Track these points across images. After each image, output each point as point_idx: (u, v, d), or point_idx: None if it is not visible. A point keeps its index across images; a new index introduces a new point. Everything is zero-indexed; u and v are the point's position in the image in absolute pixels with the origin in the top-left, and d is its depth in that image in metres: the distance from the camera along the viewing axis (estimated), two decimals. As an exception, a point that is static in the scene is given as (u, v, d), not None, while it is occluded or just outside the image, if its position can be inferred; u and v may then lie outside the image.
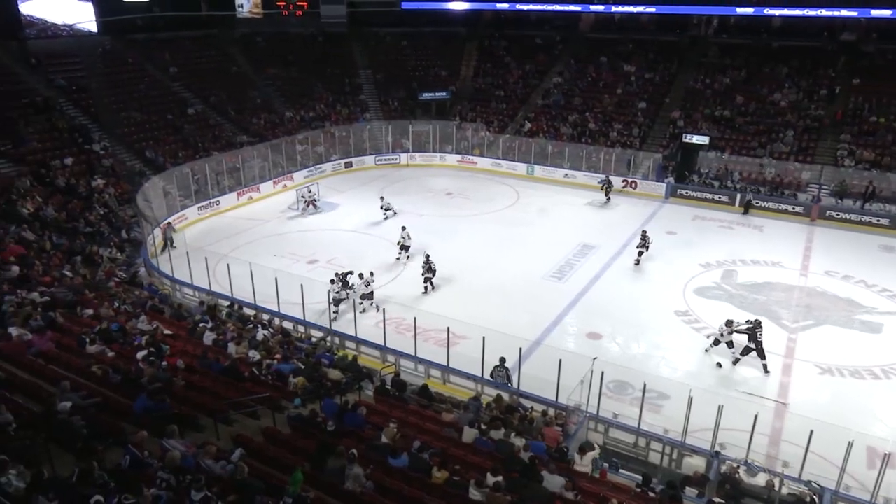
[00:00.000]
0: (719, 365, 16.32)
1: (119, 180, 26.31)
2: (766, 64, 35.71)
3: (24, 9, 34.61)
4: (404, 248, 22.39)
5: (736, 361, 16.29)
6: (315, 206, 28.11)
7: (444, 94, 40.16)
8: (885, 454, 10.54)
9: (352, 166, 34.90)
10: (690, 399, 11.70)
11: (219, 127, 33.19)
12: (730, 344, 16.41)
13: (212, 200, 27.33)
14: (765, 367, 16.07)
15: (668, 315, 18.87)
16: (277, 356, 13.97)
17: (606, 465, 11.39)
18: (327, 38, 42.71)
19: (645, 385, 12.70)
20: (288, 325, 17.09)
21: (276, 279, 16.83)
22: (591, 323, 18.42)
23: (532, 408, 13.21)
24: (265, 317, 17.28)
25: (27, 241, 19.34)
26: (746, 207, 28.63)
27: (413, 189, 31.75)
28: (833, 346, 17.26)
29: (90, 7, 36.82)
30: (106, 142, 28.24)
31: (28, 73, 29.90)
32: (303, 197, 28.16)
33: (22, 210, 21.03)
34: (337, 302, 17.90)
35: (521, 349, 13.89)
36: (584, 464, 10.86)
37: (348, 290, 18.32)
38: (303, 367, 13.57)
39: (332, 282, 18.12)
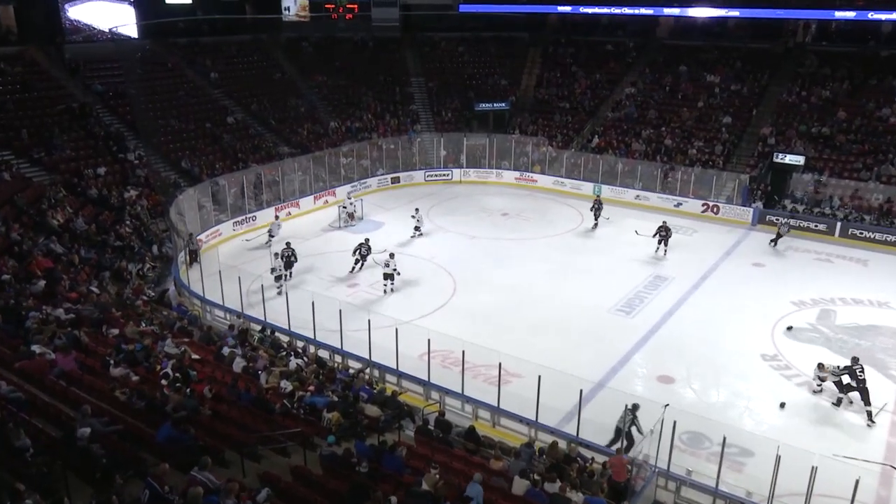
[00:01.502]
0: (783, 405, 15.99)
1: (152, 192, 27.38)
2: (874, 75, 34.52)
3: (72, 13, 36.84)
4: (388, 276, 22.08)
5: (839, 402, 15.92)
6: (353, 218, 28.63)
7: (503, 104, 40.36)
8: None
9: (399, 182, 35.37)
10: (778, 457, 11.23)
11: (259, 137, 34.25)
12: (838, 384, 16.01)
13: (248, 215, 28.10)
14: (869, 414, 15.49)
15: (754, 359, 18.23)
16: (311, 387, 14.13)
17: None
18: (378, 43, 43.70)
19: (725, 439, 12.23)
20: (324, 353, 17.30)
21: (312, 303, 17.11)
22: (663, 364, 17.97)
23: (593, 459, 12.91)
24: (299, 344, 17.54)
25: (55, 254, 20.27)
26: (777, 237, 26.95)
27: (465, 208, 31.89)
28: (953, 403, 16.30)
29: (133, 12, 38.83)
30: (141, 151, 29.51)
31: (66, 79, 31.65)
32: (343, 208, 28.90)
33: (52, 221, 22.08)
34: (278, 278, 21.58)
35: (581, 391, 13.66)
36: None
37: (288, 271, 22.45)
38: (338, 400, 13.66)
39: (277, 256, 22.32)
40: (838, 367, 16.20)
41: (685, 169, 32.43)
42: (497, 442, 13.42)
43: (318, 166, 32.14)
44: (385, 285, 22.15)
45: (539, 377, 13.69)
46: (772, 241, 26.97)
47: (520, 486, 11.15)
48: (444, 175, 36.47)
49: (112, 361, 13.83)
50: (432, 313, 20.56)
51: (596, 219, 29.11)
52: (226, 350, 15.78)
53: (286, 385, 14.03)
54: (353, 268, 23.66)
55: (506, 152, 36.72)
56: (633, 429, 13.49)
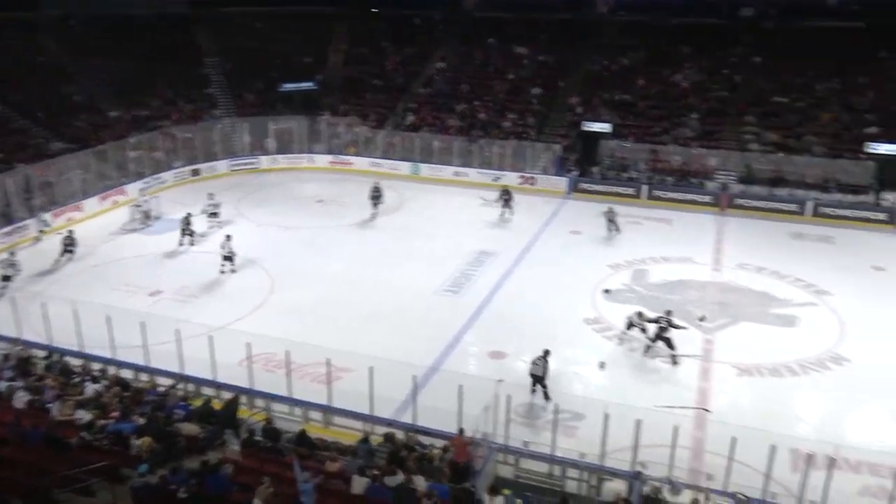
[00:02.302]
0: (602, 365, 17.46)
1: None
2: (667, 44, 38.26)
3: None
4: (227, 258, 22.82)
5: (647, 349, 17.89)
6: (149, 217, 27.31)
7: (310, 84, 39.87)
8: (808, 455, 11.50)
9: (200, 174, 33.82)
10: (606, 416, 12.20)
11: (25, 132, 31.18)
12: (643, 330, 18.04)
13: (17, 225, 25.53)
14: (672, 357, 17.56)
15: (578, 324, 19.66)
16: (114, 414, 13.19)
17: (520, 500, 11.63)
18: (163, 20, 41.23)
19: (557, 405, 13.12)
20: (127, 373, 16.19)
21: (107, 317, 15.92)
22: (494, 340, 18.84)
23: (432, 445, 13.25)
24: (96, 366, 16.26)
25: None
26: (613, 225, 26.73)
27: (277, 198, 31.25)
28: (750, 344, 18.73)
29: None
30: None
31: None
32: (137, 207, 27.39)
33: None
34: (5, 278, 21.00)
35: (414, 378, 13.94)
36: (494, 504, 11.03)
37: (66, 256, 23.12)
38: (148, 423, 12.87)
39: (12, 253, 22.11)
40: (656, 317, 18.17)
41: (501, 142, 34.00)
42: (331, 443, 13.34)
43: (102, 162, 30.04)
44: (223, 266, 22.63)
45: (370, 369, 13.81)
46: (613, 229, 26.67)
47: (359, 484, 11.20)
48: (251, 163, 35.40)
49: None
50: (249, 314, 19.96)
51: (375, 207, 28.51)
52: (2, 385, 14.24)
53: (83, 415, 12.97)
54: (181, 241, 24.92)
55: (317, 135, 36.36)
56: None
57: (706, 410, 15.53)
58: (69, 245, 23.25)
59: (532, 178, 32.64)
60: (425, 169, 34.23)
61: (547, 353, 15.88)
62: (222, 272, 22.68)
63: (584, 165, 33.29)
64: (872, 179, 30.16)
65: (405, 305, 20.62)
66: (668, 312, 18.13)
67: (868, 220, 28.55)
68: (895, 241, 26.94)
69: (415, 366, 14.71)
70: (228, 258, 22.71)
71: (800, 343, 18.74)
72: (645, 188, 31.26)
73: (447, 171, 33.92)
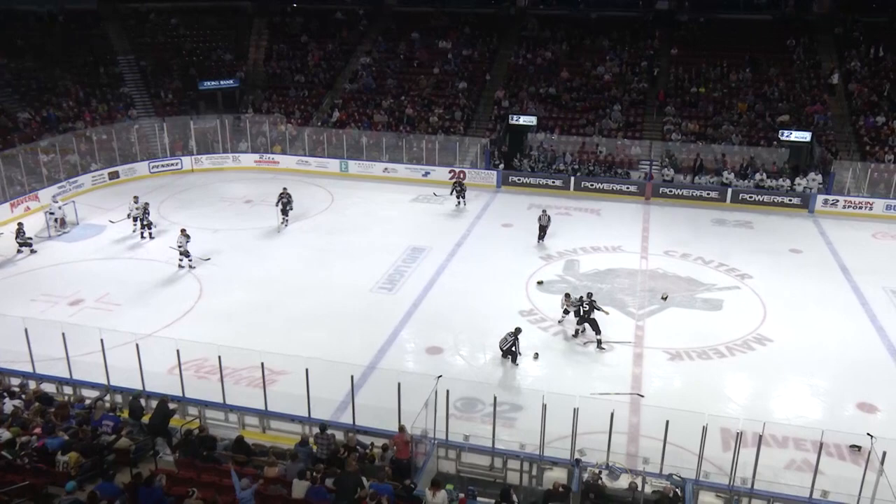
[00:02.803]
0: (536, 356, 17.83)
1: None
2: (587, 36, 39.06)
3: None
4: (184, 254, 22.81)
5: (576, 333, 18.65)
6: (64, 224, 26.27)
7: (231, 81, 39.02)
8: (738, 433, 11.98)
9: (119, 177, 32.61)
10: (544, 406, 12.39)
11: (-77, 137, 29.29)
12: (577, 312, 18.56)
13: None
14: (598, 342, 18.19)
15: (513, 316, 19.81)
16: (37, 430, 12.63)
17: (462, 494, 11.70)
18: (70, 16, 39.50)
19: (496, 398, 13.22)
20: (49, 387, 15.50)
21: (25, 330, 15.18)
22: (431, 336, 18.89)
23: (372, 444, 13.20)
24: (14, 381, 15.50)
25: None
26: (542, 231, 25.65)
27: (202, 199, 30.49)
28: (679, 328, 19.36)
29: None
30: None
31: None
32: (51, 213, 26.16)
33: None
34: None
35: (352, 377, 13.83)
36: (436, 501, 11.07)
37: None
38: (73, 438, 12.37)
39: None
40: (578, 298, 18.78)
41: (429, 137, 34.04)
42: (270, 447, 13.12)
43: (11, 166, 28.66)
44: (181, 261, 22.83)
45: (307, 370, 13.63)
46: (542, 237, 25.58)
47: (300, 488, 11.07)
48: (173, 164, 34.34)
49: None
50: (178, 321, 19.43)
51: (285, 214, 27.03)
52: (-89, 406, 13.43)
53: (2, 433, 12.36)
54: (143, 234, 25.58)
55: (241, 134, 35.60)
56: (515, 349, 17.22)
57: (640, 395, 16.01)
58: (20, 237, 23.69)
59: (462, 172, 32.79)
60: (354, 166, 33.97)
61: (518, 330, 17.37)
62: (181, 267, 22.82)
63: (511, 158, 33.67)
64: (785, 165, 31.71)
65: (340, 305, 20.44)
66: (590, 295, 18.66)
67: (784, 204, 29.93)
68: (809, 224, 28.36)
69: (352, 365, 14.58)
70: (185, 254, 22.69)
71: (726, 326, 19.50)
72: (573, 179, 31.84)
73: (376, 168, 33.76)
